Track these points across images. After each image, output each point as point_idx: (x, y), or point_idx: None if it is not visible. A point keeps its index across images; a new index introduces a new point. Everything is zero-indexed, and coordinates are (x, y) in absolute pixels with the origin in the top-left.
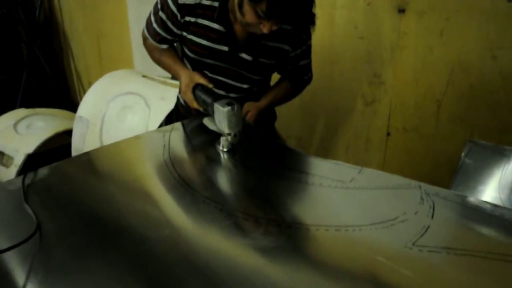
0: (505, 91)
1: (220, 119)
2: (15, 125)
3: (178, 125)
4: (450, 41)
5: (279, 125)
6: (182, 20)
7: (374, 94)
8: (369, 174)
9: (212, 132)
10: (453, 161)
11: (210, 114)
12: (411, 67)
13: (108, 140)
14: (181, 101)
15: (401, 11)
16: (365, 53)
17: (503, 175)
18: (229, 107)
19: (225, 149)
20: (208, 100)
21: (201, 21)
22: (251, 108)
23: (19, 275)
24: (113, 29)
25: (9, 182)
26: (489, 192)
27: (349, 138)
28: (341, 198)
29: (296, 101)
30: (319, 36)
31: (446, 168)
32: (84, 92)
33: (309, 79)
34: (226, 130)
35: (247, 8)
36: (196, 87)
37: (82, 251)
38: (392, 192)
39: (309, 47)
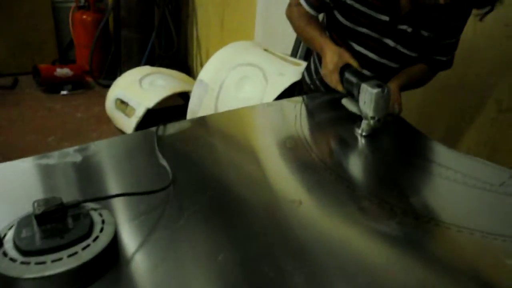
0: None
1: (367, 100)
2: (140, 80)
3: (308, 98)
4: None
5: None
6: None
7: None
8: None
9: (345, 111)
10: None
11: (352, 95)
12: None
13: (222, 106)
14: (307, 80)
15: None
16: None
17: None
18: (379, 89)
19: (364, 133)
20: (354, 80)
21: None
22: (395, 95)
23: (150, 220)
24: (239, 1)
25: (143, 132)
26: None
27: (471, 144)
28: (488, 201)
29: (417, 92)
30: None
31: None
32: (202, 58)
33: (449, 62)
34: (371, 113)
35: None
36: (345, 67)
37: (207, 212)
38: None
39: (463, 24)
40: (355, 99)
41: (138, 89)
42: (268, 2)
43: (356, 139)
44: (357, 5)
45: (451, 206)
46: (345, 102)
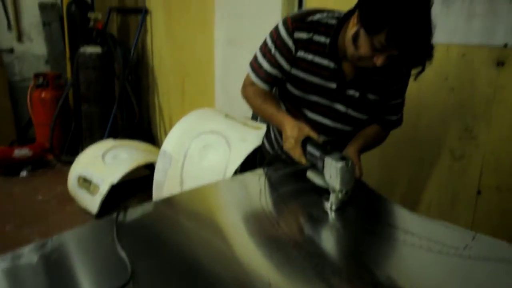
0: None
1: (333, 174)
2: (103, 155)
3: (271, 170)
4: None
5: None
6: (295, 55)
7: (464, 149)
8: (484, 241)
9: (310, 183)
10: None
11: (317, 168)
12: (508, 123)
13: (188, 176)
14: (268, 147)
15: (500, 64)
16: (456, 106)
17: None
18: (344, 162)
19: (334, 207)
20: (317, 153)
21: (313, 57)
22: (354, 159)
23: None
24: (198, 69)
25: (102, 221)
26: None
27: (432, 194)
28: (454, 267)
29: (376, 151)
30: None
31: None
32: (165, 127)
33: (399, 120)
34: (338, 186)
35: (363, 40)
36: (306, 140)
37: None
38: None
39: (405, 85)
40: (319, 171)
41: (101, 164)
42: (225, 68)
43: (325, 213)
44: (307, 77)
45: (420, 276)
46: (311, 175)
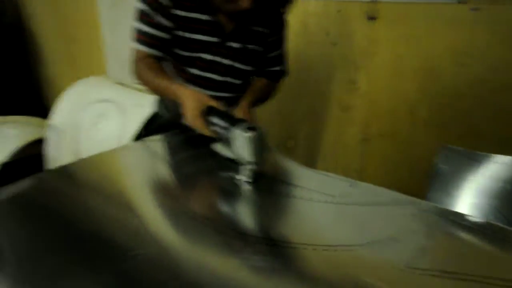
0: (473, 97)
1: (241, 146)
2: None
3: (165, 136)
4: (418, 49)
5: None
6: (174, 14)
7: (350, 100)
8: (361, 188)
9: (209, 148)
10: (429, 167)
11: (223, 139)
12: (383, 73)
13: (83, 148)
14: (164, 112)
15: (371, 18)
16: (340, 59)
17: (477, 180)
18: (253, 132)
19: (246, 179)
20: (223, 123)
21: (189, 13)
22: (245, 113)
23: None
24: (85, 35)
25: None
26: (465, 198)
27: (328, 144)
28: (331, 214)
29: (275, 107)
30: (294, 43)
31: (423, 173)
32: (55, 99)
33: (283, 71)
34: (249, 158)
35: None
36: (209, 110)
37: (65, 270)
38: (386, 209)
39: (283, 36)
40: (226, 142)
41: None
42: (114, 33)
43: (235, 185)
44: (189, 35)
45: (299, 225)
46: (218, 147)
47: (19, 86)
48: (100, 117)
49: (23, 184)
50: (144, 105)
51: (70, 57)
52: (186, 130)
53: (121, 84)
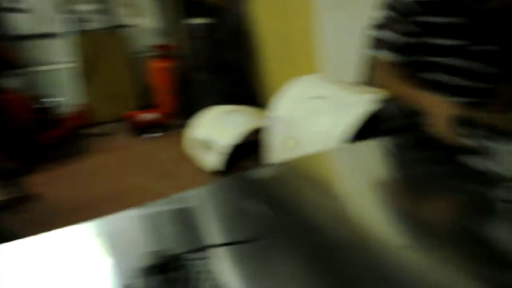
0: None
1: (508, 161)
2: (219, 119)
3: (399, 138)
4: None
5: None
6: (420, 17)
7: None
8: None
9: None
10: None
11: (479, 151)
12: None
13: (301, 140)
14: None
15: None
16: None
17: None
18: None
19: (507, 198)
20: (484, 135)
21: (436, 18)
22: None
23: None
24: (299, 35)
25: (230, 177)
26: None
27: None
28: None
29: None
30: None
31: None
32: (270, 93)
33: None
34: None
35: None
36: (461, 120)
37: (310, 260)
38: None
39: None
40: (481, 155)
41: (220, 127)
42: (335, 35)
43: (487, 201)
44: (435, 40)
45: None
46: (469, 158)
47: (244, 81)
48: (314, 112)
49: (260, 172)
50: (358, 105)
51: (285, 56)
52: (419, 135)
53: (338, 82)
